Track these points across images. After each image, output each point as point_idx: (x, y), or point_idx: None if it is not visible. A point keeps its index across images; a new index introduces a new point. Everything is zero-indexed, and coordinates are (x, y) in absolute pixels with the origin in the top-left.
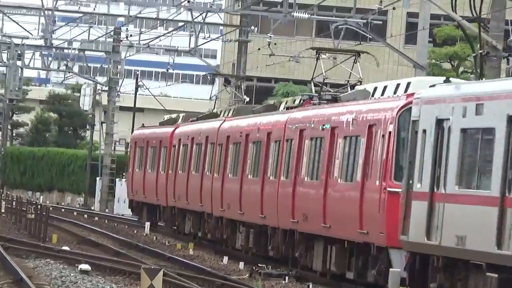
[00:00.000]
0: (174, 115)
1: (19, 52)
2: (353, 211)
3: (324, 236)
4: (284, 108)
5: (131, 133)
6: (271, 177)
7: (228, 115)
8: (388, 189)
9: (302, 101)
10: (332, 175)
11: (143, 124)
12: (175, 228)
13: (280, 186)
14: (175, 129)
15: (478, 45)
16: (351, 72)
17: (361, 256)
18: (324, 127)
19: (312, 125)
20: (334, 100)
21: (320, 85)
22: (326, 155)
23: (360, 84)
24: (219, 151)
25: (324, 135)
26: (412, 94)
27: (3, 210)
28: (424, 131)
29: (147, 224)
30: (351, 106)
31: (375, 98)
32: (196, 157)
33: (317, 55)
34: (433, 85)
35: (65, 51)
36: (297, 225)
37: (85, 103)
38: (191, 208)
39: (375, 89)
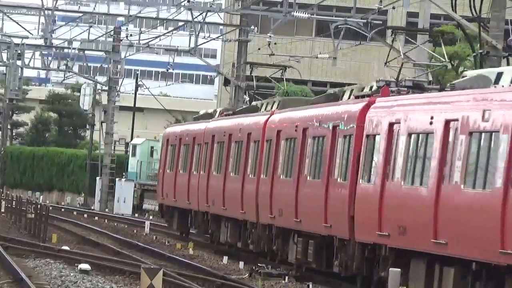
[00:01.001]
0: (210, 110)
1: (19, 51)
2: None
3: None
4: (349, 98)
5: (131, 134)
6: (339, 179)
7: (272, 108)
8: None
9: (377, 88)
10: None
11: (176, 119)
12: (208, 236)
13: (369, 190)
14: (206, 126)
15: (478, 45)
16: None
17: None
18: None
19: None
20: (418, 87)
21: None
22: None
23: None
24: (267, 149)
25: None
26: None
27: (3, 210)
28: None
29: (147, 223)
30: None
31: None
32: (236, 157)
33: (393, 36)
34: None
35: (65, 50)
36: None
37: (85, 102)
38: (228, 214)
39: (500, 75)
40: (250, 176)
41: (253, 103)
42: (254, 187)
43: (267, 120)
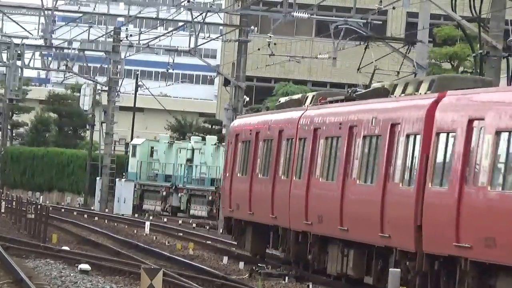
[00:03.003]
0: (296, 96)
1: (19, 52)
2: None
3: None
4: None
5: (131, 134)
6: (401, 184)
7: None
8: None
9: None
10: None
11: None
12: (307, 264)
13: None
14: (302, 114)
15: (478, 45)
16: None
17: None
18: None
19: None
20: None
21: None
22: None
23: None
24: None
25: None
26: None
27: (3, 210)
28: None
29: (147, 223)
30: None
31: None
32: (363, 157)
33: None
34: None
35: (65, 51)
36: None
37: (85, 103)
38: (349, 237)
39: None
40: (401, 186)
41: (375, 84)
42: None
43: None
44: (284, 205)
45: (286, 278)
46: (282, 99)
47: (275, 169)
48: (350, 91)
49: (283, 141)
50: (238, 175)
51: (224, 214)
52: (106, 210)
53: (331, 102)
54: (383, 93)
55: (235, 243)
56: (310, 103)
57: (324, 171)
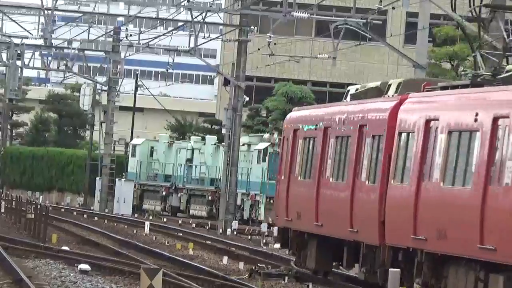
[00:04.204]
0: (374, 83)
1: (18, 52)
2: None
3: None
4: None
5: (131, 134)
6: None
7: None
8: None
9: None
10: None
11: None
12: None
13: None
14: (397, 106)
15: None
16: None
17: None
18: None
19: None
20: None
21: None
22: None
23: None
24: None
25: None
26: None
27: (3, 210)
28: None
29: (147, 223)
30: None
31: None
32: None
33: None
34: None
35: (65, 51)
36: None
37: (85, 103)
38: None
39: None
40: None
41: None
42: None
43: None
44: (372, 216)
45: (286, 278)
46: (351, 89)
47: (354, 172)
48: (473, 74)
49: (367, 138)
50: (299, 178)
51: (279, 223)
52: (106, 210)
53: (454, 87)
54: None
55: (293, 259)
56: (396, 92)
57: (448, 174)
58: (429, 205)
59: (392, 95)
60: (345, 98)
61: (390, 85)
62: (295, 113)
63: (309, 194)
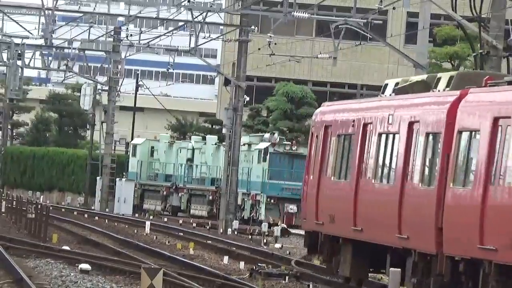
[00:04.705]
0: (418, 77)
1: (19, 51)
2: None
3: None
4: None
5: (131, 134)
6: None
7: None
8: None
9: None
10: None
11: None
12: None
13: None
14: (457, 101)
15: (478, 45)
16: None
17: None
18: None
19: None
20: None
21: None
22: None
23: None
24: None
25: None
26: None
27: (3, 210)
28: None
29: (148, 223)
30: None
31: None
32: None
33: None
34: None
35: (65, 50)
36: None
37: (85, 102)
38: None
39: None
40: None
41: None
42: None
43: None
44: (427, 222)
45: (286, 278)
46: (389, 82)
47: (403, 173)
48: None
49: (419, 137)
50: (332, 178)
51: (307, 227)
52: (107, 210)
53: None
54: None
55: (324, 266)
56: (447, 86)
57: None
58: (501, 212)
59: (443, 90)
60: (383, 93)
61: (439, 78)
62: (326, 108)
63: (345, 196)
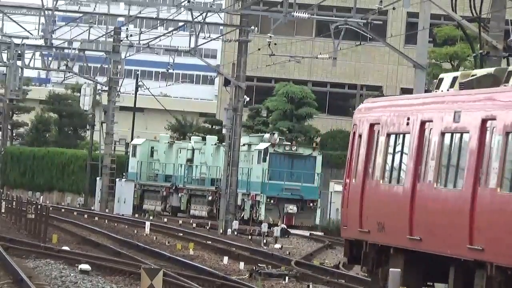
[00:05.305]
0: (484, 70)
1: (19, 52)
2: None
3: None
4: None
5: (131, 134)
6: None
7: None
8: None
9: None
10: None
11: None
12: None
13: None
14: None
15: (478, 45)
16: None
17: None
18: None
19: None
20: None
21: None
22: None
23: None
24: None
25: None
26: None
27: (3, 210)
28: None
29: (147, 223)
30: None
31: None
32: None
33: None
34: None
35: (65, 51)
36: None
37: (85, 103)
38: None
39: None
40: None
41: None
42: None
43: None
44: (510, 233)
45: (286, 278)
46: (444, 77)
47: (475, 177)
48: None
49: (496, 135)
50: (381, 182)
51: (348, 235)
52: (106, 210)
53: None
54: None
55: (367, 277)
56: None
57: None
58: None
59: None
60: (437, 88)
61: (510, 72)
62: (370, 105)
63: (398, 202)
